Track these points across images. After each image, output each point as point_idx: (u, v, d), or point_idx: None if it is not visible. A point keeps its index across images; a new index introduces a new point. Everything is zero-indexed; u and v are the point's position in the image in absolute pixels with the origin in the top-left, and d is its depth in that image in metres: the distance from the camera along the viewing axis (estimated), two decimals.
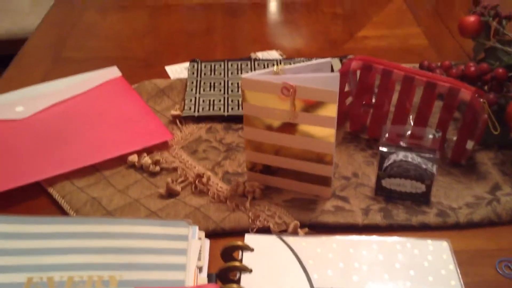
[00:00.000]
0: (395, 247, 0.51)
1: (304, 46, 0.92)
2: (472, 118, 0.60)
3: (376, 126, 0.66)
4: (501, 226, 0.55)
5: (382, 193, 0.59)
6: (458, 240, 0.53)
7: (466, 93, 0.59)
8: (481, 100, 0.60)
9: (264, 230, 0.55)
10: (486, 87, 0.69)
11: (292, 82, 0.54)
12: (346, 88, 0.69)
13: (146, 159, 0.64)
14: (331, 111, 0.54)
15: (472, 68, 0.68)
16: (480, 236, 0.54)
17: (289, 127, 0.56)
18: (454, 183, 0.60)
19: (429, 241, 0.52)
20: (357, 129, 0.69)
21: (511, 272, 0.50)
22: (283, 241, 0.52)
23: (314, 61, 0.58)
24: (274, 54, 0.87)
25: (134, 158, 0.65)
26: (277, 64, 0.58)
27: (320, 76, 0.56)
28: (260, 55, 0.87)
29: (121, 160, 0.65)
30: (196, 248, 0.51)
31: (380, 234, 0.54)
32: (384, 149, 0.57)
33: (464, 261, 0.51)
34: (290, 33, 0.97)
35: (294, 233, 0.54)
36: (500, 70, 0.66)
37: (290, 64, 0.81)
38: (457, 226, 0.55)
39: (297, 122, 0.56)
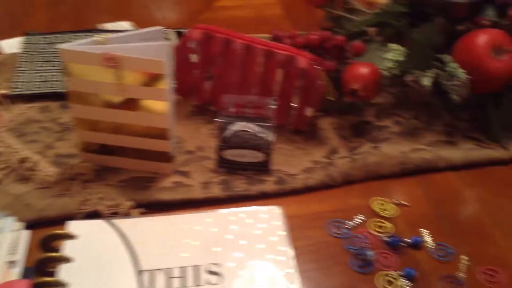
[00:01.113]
0: (229, 218, 0.50)
1: (162, 17, 0.87)
2: (309, 85, 0.61)
3: (221, 98, 0.65)
4: (336, 188, 0.57)
5: (224, 165, 0.58)
6: (294, 205, 0.54)
7: (302, 60, 0.60)
8: (317, 67, 0.61)
9: (96, 214, 0.51)
10: (329, 55, 0.71)
11: (117, 52, 0.50)
12: (194, 59, 0.66)
13: None
14: (163, 83, 0.51)
15: (314, 36, 0.69)
16: (314, 199, 0.56)
17: (124, 103, 0.52)
18: (295, 150, 0.61)
19: (262, 209, 0.52)
20: (204, 101, 0.67)
21: (339, 232, 0.52)
22: (112, 224, 0.49)
23: (144, 30, 0.54)
24: (124, 26, 0.81)
25: None
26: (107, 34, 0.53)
27: (149, 45, 0.52)
28: (109, 26, 0.80)
29: None
30: (7, 241, 0.45)
31: (220, 207, 0.53)
32: (223, 120, 0.56)
33: (298, 225, 0.52)
34: (148, 4, 0.91)
35: (127, 215, 0.51)
36: (340, 38, 0.68)
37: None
38: (294, 192, 0.56)
39: (127, 96, 0.52)
